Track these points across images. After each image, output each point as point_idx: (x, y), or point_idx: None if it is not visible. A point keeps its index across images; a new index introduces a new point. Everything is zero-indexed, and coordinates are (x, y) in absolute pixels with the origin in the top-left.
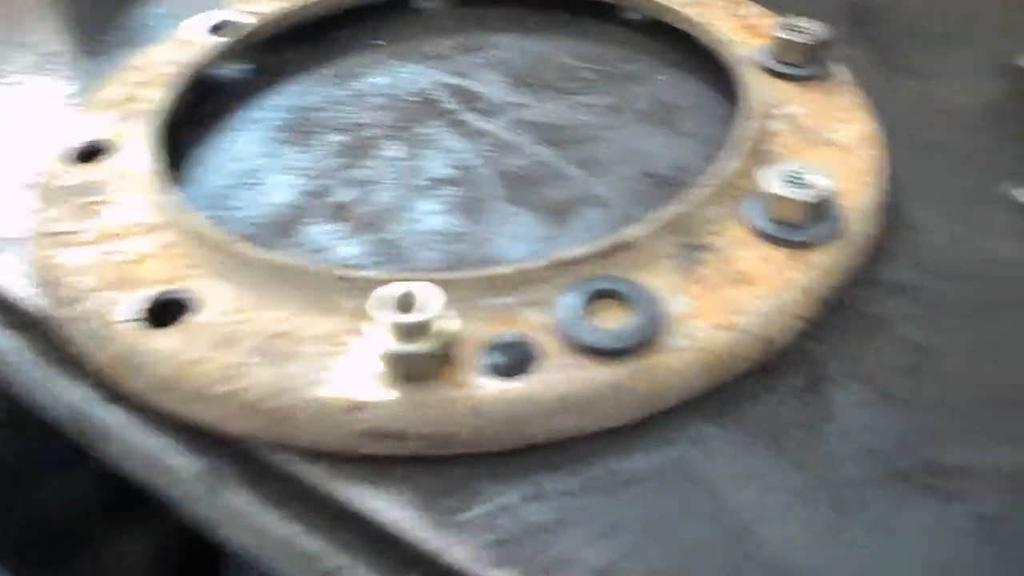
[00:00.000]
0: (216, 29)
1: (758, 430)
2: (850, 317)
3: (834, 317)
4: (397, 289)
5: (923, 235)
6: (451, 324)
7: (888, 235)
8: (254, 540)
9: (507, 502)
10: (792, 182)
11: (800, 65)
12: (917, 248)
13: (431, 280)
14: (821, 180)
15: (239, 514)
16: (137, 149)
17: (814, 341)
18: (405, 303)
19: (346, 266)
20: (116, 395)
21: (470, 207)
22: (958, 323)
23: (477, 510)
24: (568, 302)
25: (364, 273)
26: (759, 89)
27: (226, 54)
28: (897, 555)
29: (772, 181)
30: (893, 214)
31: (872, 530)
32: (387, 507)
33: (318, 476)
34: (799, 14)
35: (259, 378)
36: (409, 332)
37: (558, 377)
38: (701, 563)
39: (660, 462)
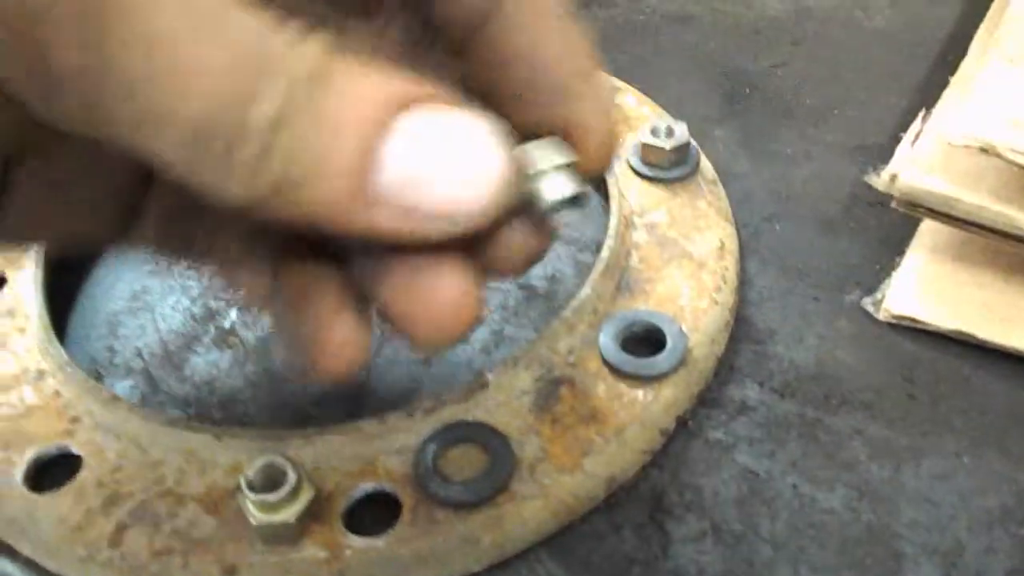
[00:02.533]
0: None
1: (600, 569)
2: (694, 444)
3: (679, 443)
4: (259, 464)
5: (770, 348)
6: (307, 492)
7: (736, 350)
8: None
9: None
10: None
11: (665, 168)
12: (762, 364)
13: (300, 436)
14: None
15: None
16: (28, 285)
17: (658, 470)
18: (266, 477)
19: (231, 401)
20: (11, 549)
21: None
22: (791, 445)
23: None
24: (424, 455)
25: (236, 431)
26: (626, 198)
27: None
28: None
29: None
30: (743, 326)
31: None
32: None
33: None
34: (674, 93)
35: (139, 543)
36: (269, 506)
37: (414, 532)
38: None
39: None
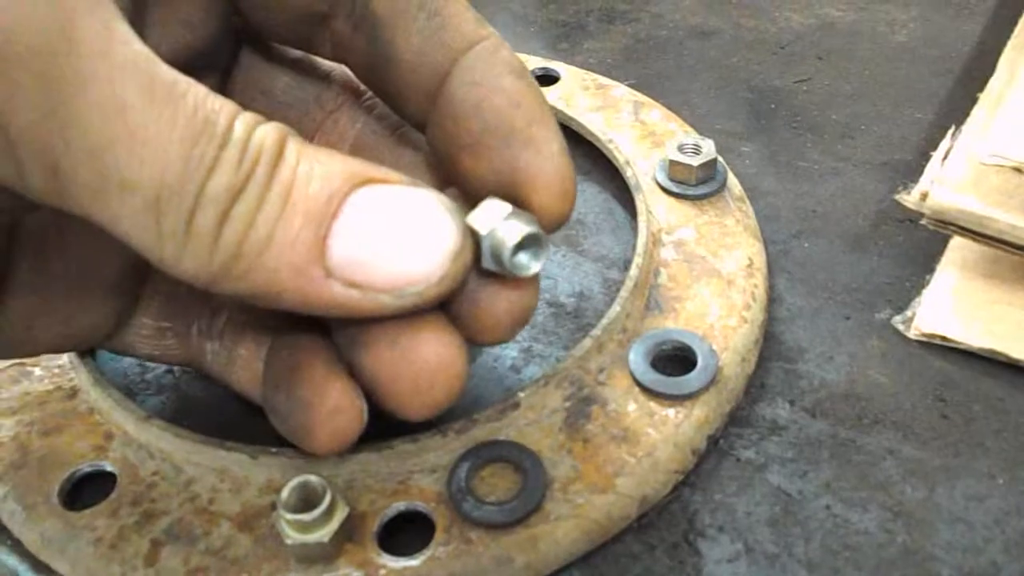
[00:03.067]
0: None
1: None
2: (726, 463)
3: (711, 462)
4: (294, 484)
5: (801, 366)
6: (341, 512)
7: (766, 368)
8: None
9: None
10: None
11: (692, 185)
12: (793, 382)
13: (334, 456)
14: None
15: None
16: None
17: (690, 490)
18: (301, 497)
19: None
20: (48, 568)
21: None
22: (823, 466)
23: None
24: (457, 475)
25: (272, 449)
26: (653, 215)
27: None
28: None
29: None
30: (772, 344)
31: None
32: None
33: None
34: (700, 109)
35: (174, 561)
36: (303, 526)
37: (447, 552)
38: None
39: None
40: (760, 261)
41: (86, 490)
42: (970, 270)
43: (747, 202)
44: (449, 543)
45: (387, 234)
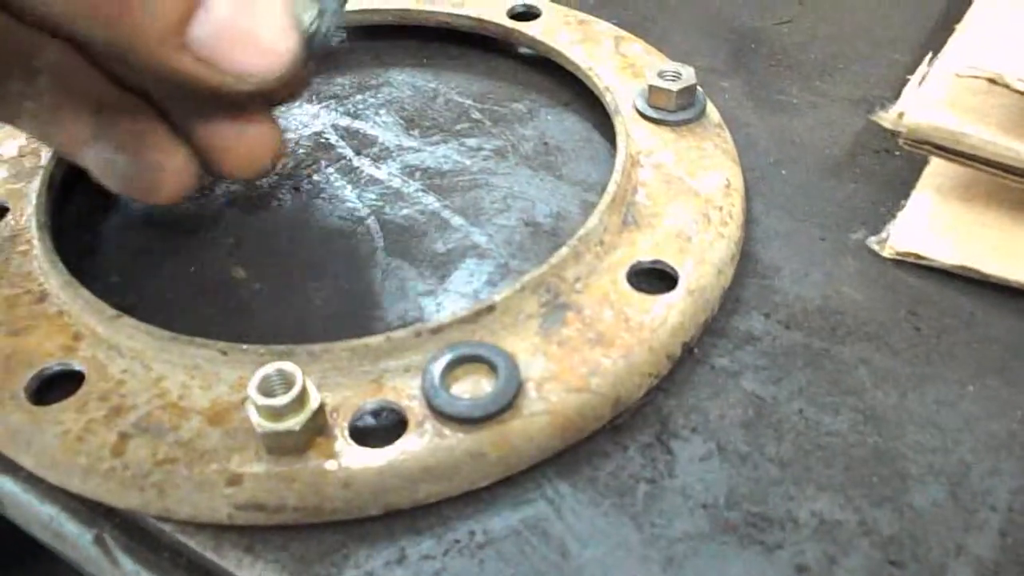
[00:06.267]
0: None
1: (606, 487)
2: (700, 371)
3: (685, 370)
4: (266, 370)
5: (776, 283)
6: (314, 401)
7: (742, 284)
8: None
9: (372, 567)
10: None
11: (672, 110)
12: (768, 297)
13: (307, 352)
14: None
15: None
16: (30, 212)
17: (664, 395)
18: (272, 384)
19: (240, 314)
20: (12, 466)
21: (356, 262)
22: (796, 373)
23: (346, 575)
24: (431, 371)
25: (243, 346)
26: (632, 138)
27: None
28: None
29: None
30: (749, 263)
31: None
32: (264, 574)
33: (200, 545)
34: (681, 47)
35: (142, 453)
36: (274, 413)
37: (421, 445)
38: None
39: (516, 522)
40: (738, 183)
41: (54, 388)
42: (945, 193)
43: (725, 129)
44: (422, 437)
45: (243, 30)
